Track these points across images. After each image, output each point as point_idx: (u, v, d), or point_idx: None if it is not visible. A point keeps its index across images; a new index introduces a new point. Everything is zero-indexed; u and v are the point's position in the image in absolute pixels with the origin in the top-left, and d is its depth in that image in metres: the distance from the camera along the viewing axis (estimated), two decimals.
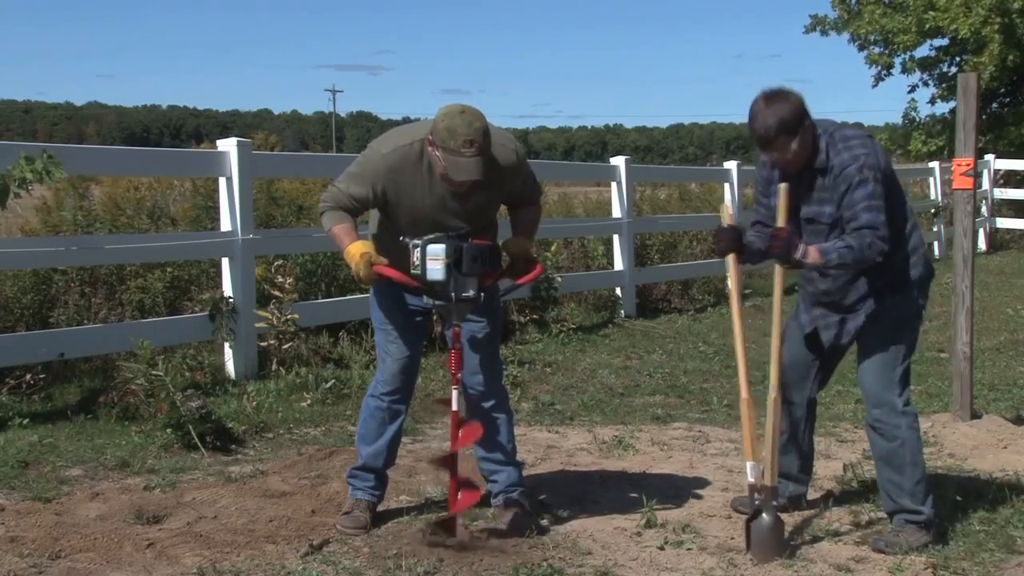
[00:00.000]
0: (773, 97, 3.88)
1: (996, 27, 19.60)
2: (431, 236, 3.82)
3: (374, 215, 4.14)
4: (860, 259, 3.84)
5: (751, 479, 3.94)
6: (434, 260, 3.79)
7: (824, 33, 22.90)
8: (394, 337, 4.13)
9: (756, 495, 3.90)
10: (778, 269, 4.00)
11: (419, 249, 3.81)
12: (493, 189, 3.97)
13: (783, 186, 3.98)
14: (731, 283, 4.23)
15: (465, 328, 4.04)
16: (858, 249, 3.81)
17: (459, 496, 3.92)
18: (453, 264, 3.79)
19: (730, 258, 4.18)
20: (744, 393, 4.03)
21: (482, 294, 3.90)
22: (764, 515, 3.86)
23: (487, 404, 4.17)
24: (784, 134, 3.84)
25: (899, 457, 3.99)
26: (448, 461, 3.98)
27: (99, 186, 8.94)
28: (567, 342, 8.47)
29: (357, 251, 3.86)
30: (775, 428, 3.98)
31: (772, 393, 4.00)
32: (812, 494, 4.52)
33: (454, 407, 3.98)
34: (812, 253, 3.86)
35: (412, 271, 3.85)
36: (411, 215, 3.94)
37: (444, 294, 3.84)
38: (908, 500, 3.98)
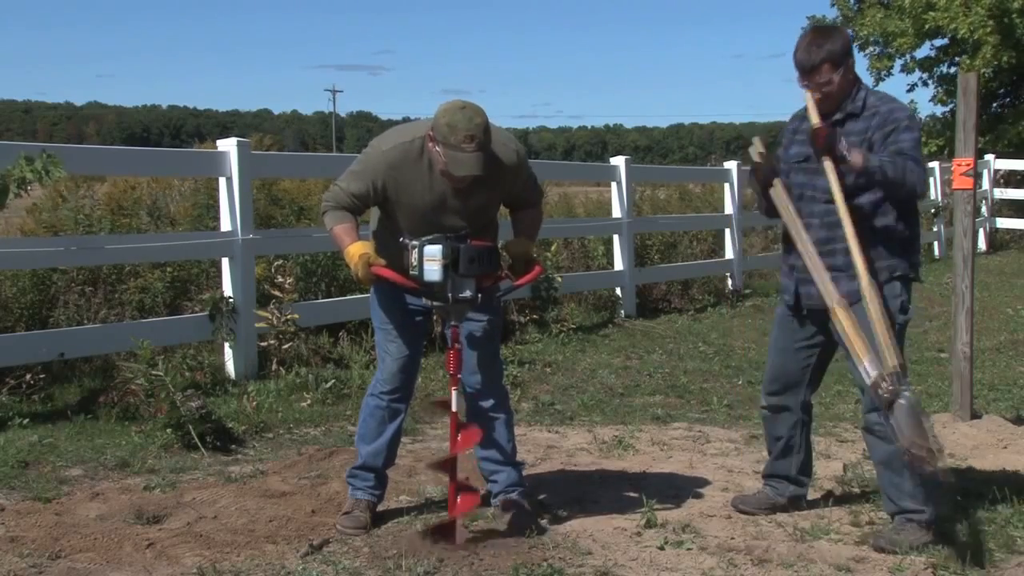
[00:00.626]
0: (822, 29, 4.01)
1: (989, 29, 19.61)
2: (429, 237, 3.82)
3: (375, 214, 4.14)
4: (900, 179, 3.80)
5: (871, 377, 3.67)
6: (431, 261, 3.78)
7: None
8: (394, 336, 4.13)
9: (881, 386, 3.64)
10: (829, 167, 3.84)
11: (416, 250, 3.81)
12: (494, 188, 3.97)
13: (808, 93, 3.93)
14: (785, 209, 4.02)
15: (465, 327, 4.04)
16: (901, 169, 3.79)
17: (458, 500, 3.92)
18: (450, 265, 3.79)
19: (776, 184, 4.07)
20: (835, 299, 3.81)
21: (480, 295, 3.90)
22: (901, 399, 3.61)
23: (487, 404, 4.16)
24: (828, 62, 3.88)
25: (898, 460, 3.92)
26: (447, 465, 3.99)
27: (103, 185, 8.93)
28: (567, 342, 8.47)
29: (356, 252, 3.86)
30: (879, 313, 3.75)
31: (863, 281, 3.78)
32: (812, 494, 4.51)
33: (453, 407, 3.98)
34: (856, 154, 3.81)
35: (410, 272, 3.85)
36: (411, 213, 3.94)
37: (441, 295, 3.83)
38: (909, 501, 3.97)
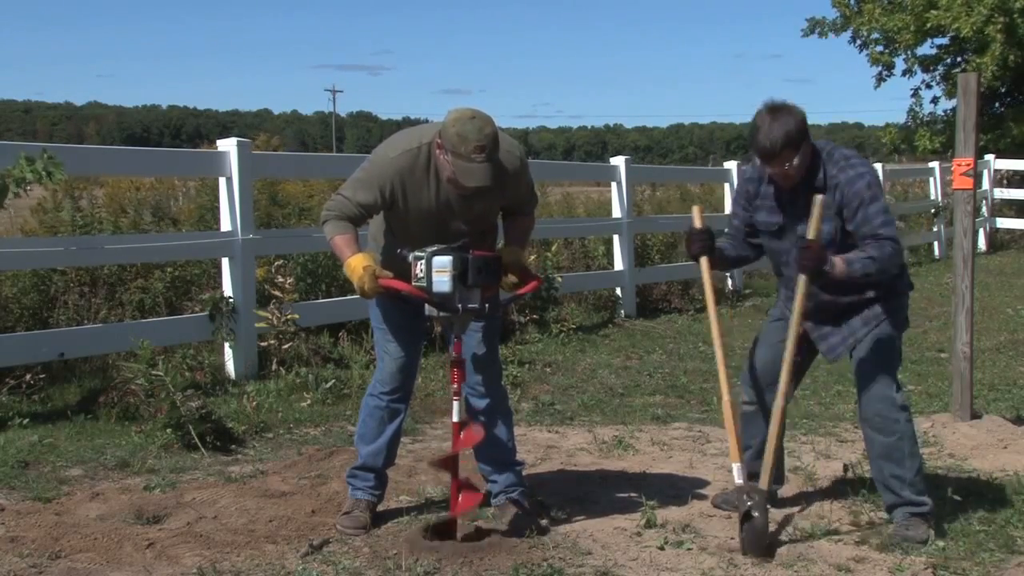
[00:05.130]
0: (778, 111, 3.93)
1: (999, 26, 19.59)
2: (434, 248, 3.80)
3: (374, 223, 4.13)
4: (883, 269, 3.94)
5: (738, 480, 3.96)
6: (440, 272, 3.76)
7: (823, 35, 22.88)
8: (392, 336, 4.13)
9: (746, 497, 3.88)
10: (802, 281, 3.95)
11: (423, 261, 3.79)
12: (497, 194, 3.97)
13: (819, 198, 3.93)
14: (706, 286, 4.24)
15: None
16: (880, 259, 3.90)
17: (460, 498, 3.92)
18: (458, 276, 3.78)
19: (703, 261, 4.23)
20: (725, 395, 4.07)
21: (487, 305, 3.89)
22: (757, 516, 3.85)
23: (486, 404, 4.17)
24: (789, 148, 3.89)
25: (899, 451, 4.05)
26: (448, 463, 3.98)
27: (102, 188, 8.93)
28: (567, 342, 8.47)
29: (359, 264, 3.82)
30: (778, 433, 4.01)
31: (779, 401, 4.00)
32: (812, 494, 4.53)
33: (455, 419, 3.97)
34: (839, 264, 3.90)
35: (415, 283, 3.83)
36: (416, 220, 3.94)
37: (450, 306, 3.82)
38: (910, 492, 4.04)
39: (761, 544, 3.85)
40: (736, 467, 3.99)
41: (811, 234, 3.92)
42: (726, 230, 4.37)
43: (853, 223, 3.95)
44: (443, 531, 3.94)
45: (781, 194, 4.07)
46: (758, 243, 4.28)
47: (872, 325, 4.08)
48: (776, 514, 4.29)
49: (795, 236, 4.05)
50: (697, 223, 4.25)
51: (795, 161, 3.92)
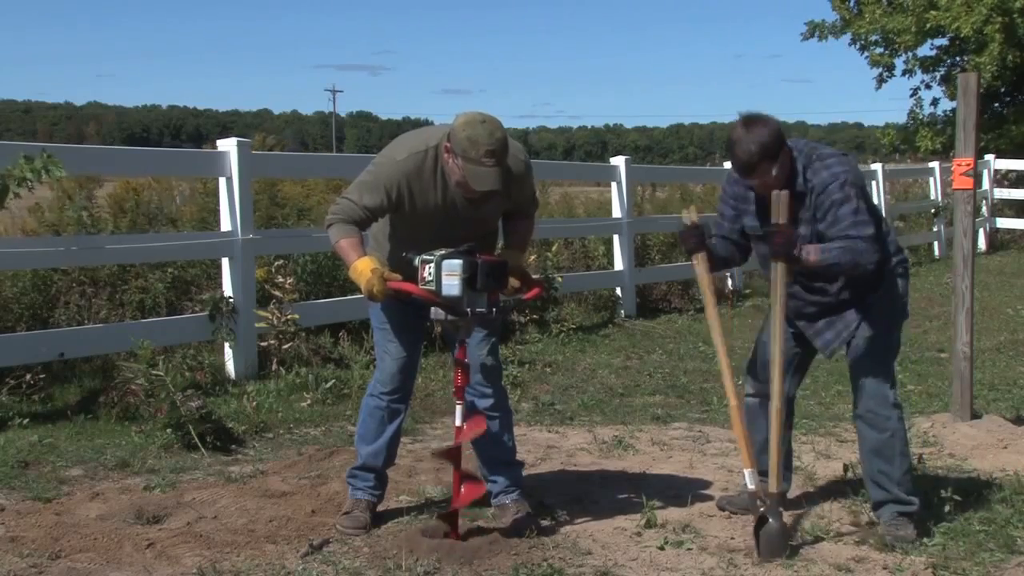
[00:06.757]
0: (752, 123, 3.90)
1: (997, 26, 19.60)
2: (444, 252, 3.80)
3: (375, 226, 4.12)
4: (855, 263, 3.88)
5: (751, 486, 3.95)
6: (450, 276, 3.75)
7: (822, 39, 22.88)
8: (392, 336, 4.13)
9: (760, 502, 3.90)
10: (780, 269, 3.96)
11: (431, 264, 3.78)
12: (502, 198, 3.98)
13: (784, 193, 3.93)
14: (702, 285, 4.22)
15: None
16: (851, 253, 3.86)
17: (463, 489, 3.93)
18: (468, 280, 3.77)
19: (699, 258, 4.18)
20: (732, 400, 4.05)
21: (494, 309, 3.89)
22: (771, 521, 3.86)
23: (486, 404, 4.16)
24: (766, 159, 3.86)
25: (890, 448, 4.06)
26: (452, 454, 3.98)
27: (103, 188, 8.92)
28: (567, 342, 8.47)
29: (367, 267, 3.82)
30: (778, 436, 3.98)
31: (775, 403, 3.98)
32: (812, 494, 4.52)
33: (457, 422, 3.97)
34: (812, 251, 3.88)
35: (423, 285, 3.81)
36: (421, 222, 3.94)
37: (458, 309, 3.82)
38: (897, 489, 4.05)
39: (779, 549, 3.85)
40: (748, 472, 3.97)
41: (778, 219, 3.90)
42: (714, 231, 4.33)
43: (824, 224, 3.92)
44: (442, 528, 3.94)
45: (764, 200, 4.03)
46: (746, 245, 4.26)
47: (866, 315, 4.05)
48: None
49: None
50: (688, 220, 4.20)
51: (774, 171, 3.88)
